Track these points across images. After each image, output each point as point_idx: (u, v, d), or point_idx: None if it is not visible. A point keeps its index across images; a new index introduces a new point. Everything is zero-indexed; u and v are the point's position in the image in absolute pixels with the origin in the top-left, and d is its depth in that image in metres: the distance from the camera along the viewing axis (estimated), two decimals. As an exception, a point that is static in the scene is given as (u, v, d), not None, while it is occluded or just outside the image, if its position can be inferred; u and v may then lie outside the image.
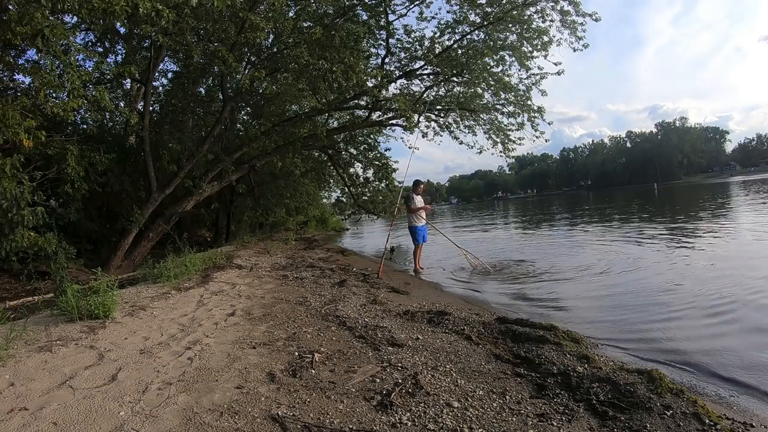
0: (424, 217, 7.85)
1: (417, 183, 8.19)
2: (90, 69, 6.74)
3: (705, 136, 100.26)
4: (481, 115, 11.27)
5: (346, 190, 14.84)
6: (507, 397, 2.31)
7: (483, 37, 9.82)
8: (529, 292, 5.54)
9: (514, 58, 9.89)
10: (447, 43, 10.08)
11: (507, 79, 10.21)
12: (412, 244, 7.99)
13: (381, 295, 4.96)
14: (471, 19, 9.67)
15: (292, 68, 9.08)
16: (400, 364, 2.72)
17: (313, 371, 2.63)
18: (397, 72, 10.65)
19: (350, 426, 2.00)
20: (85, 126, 9.58)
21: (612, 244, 9.03)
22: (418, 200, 7.85)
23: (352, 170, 14.16)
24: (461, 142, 11.96)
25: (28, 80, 7.20)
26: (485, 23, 9.48)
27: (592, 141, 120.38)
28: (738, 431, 1.99)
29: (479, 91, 10.64)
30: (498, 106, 11.07)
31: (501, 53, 9.84)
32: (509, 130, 11.29)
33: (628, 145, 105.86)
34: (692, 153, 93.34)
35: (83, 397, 2.30)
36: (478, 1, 9.28)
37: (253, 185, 13.33)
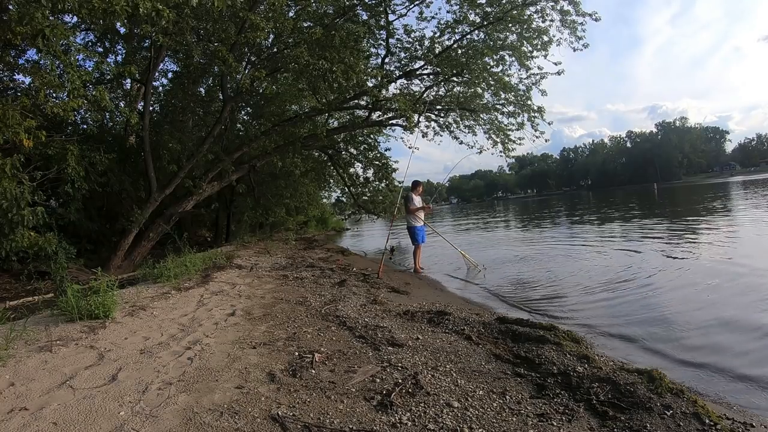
0: (422, 217, 7.84)
1: (416, 183, 8.19)
2: (90, 69, 6.72)
3: (705, 136, 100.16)
4: (481, 115, 11.26)
5: (346, 190, 14.85)
6: (507, 397, 2.31)
7: (483, 37, 9.83)
8: (529, 292, 5.54)
9: (514, 58, 9.89)
10: (447, 43, 10.08)
11: (507, 78, 10.21)
12: (412, 244, 8.00)
13: (381, 295, 4.96)
14: (471, 19, 9.67)
15: (292, 68, 9.07)
16: (400, 364, 2.72)
17: (313, 371, 2.63)
18: (397, 72, 10.66)
19: (350, 426, 2.00)
20: (85, 126, 9.58)
21: (612, 245, 9.03)
22: (417, 200, 7.85)
23: (352, 170, 14.18)
24: (461, 142, 11.97)
25: (28, 80, 7.22)
26: (485, 23, 9.48)
27: (592, 141, 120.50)
28: (738, 431, 1.99)
29: (479, 91, 10.63)
30: (498, 106, 11.07)
31: (501, 53, 9.83)
32: (509, 130, 11.30)
33: (628, 145, 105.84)
34: (692, 153, 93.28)
35: (83, 397, 2.30)
36: (478, 1, 9.28)
37: (253, 185, 13.32)
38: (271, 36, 9.39)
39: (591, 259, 7.38)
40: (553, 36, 9.63)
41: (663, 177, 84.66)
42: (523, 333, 3.30)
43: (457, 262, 8.02)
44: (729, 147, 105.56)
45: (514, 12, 9.18)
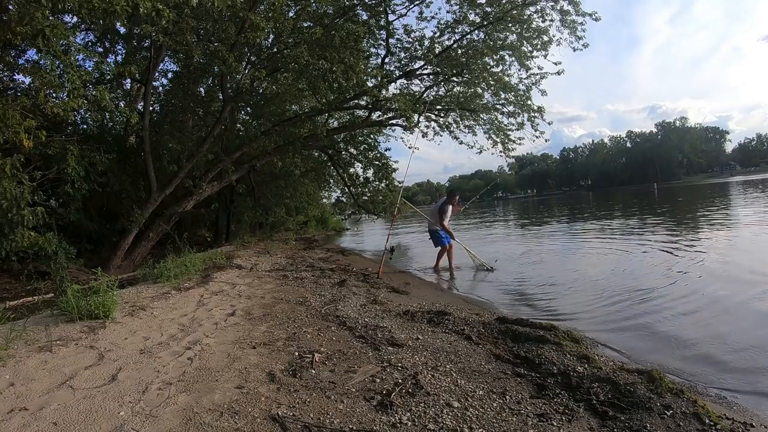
0: (446, 225, 7.76)
1: (453, 193, 8.02)
2: (90, 69, 6.71)
3: (705, 136, 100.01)
4: (481, 115, 11.28)
5: (346, 190, 14.84)
6: (507, 397, 2.31)
7: (483, 36, 9.83)
8: (529, 292, 5.54)
9: (514, 58, 9.90)
10: (447, 43, 10.08)
11: (507, 78, 10.22)
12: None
13: (381, 295, 4.96)
14: (471, 19, 9.68)
15: (292, 68, 9.07)
16: (400, 364, 2.72)
17: (313, 371, 2.63)
18: (397, 72, 10.65)
19: (350, 426, 2.00)
20: (85, 126, 9.58)
21: (613, 245, 9.02)
22: (450, 210, 7.83)
23: (352, 170, 14.18)
24: (461, 142, 12.00)
25: (28, 80, 7.21)
26: (485, 23, 9.48)
27: (592, 141, 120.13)
28: (738, 431, 1.99)
29: (479, 91, 10.65)
30: (498, 106, 11.08)
31: (501, 53, 9.84)
32: (509, 129, 11.32)
33: (628, 145, 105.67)
34: (692, 153, 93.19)
35: (83, 397, 2.30)
36: (478, 1, 9.29)
37: (253, 185, 13.32)
38: (271, 36, 9.39)
39: (592, 260, 7.37)
40: (553, 36, 9.66)
41: (663, 177, 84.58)
42: (523, 333, 3.30)
43: (457, 262, 8.00)
44: (729, 147, 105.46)
45: (514, 12, 9.19)
